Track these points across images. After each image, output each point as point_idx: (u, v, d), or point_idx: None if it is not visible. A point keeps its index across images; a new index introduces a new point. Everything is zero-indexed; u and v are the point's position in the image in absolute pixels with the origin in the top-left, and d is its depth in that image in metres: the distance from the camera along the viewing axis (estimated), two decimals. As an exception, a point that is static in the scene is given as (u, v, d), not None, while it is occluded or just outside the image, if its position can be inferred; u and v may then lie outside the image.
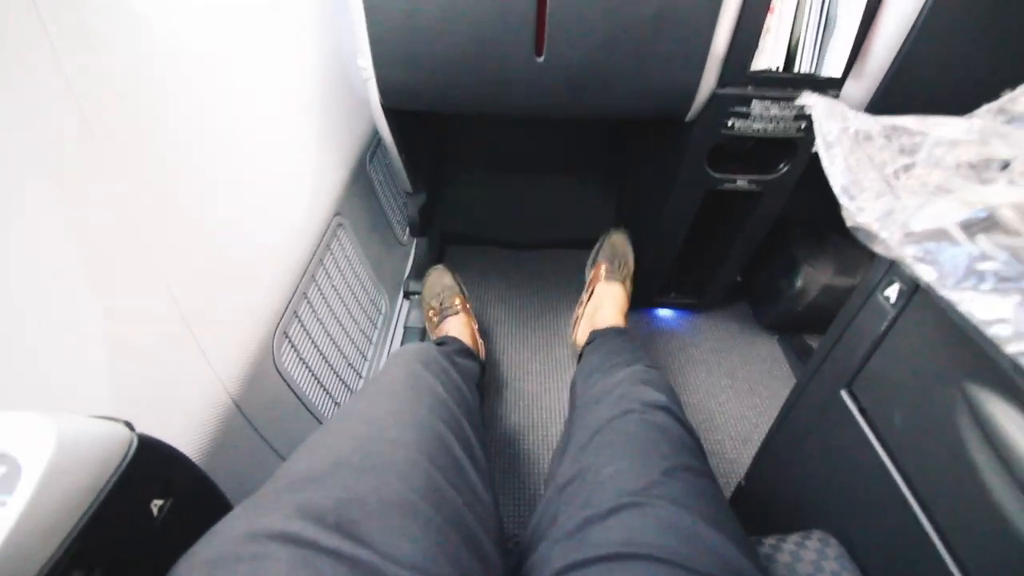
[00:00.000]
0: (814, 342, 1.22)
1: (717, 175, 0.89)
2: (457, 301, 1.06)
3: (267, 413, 0.71)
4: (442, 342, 0.92)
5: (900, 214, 0.30)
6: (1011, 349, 0.23)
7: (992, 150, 0.34)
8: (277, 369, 0.74)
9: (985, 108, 0.36)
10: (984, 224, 0.28)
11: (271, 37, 0.76)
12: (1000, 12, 0.68)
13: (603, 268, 1.05)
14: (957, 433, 0.33)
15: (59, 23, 0.42)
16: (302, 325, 0.82)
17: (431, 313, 1.09)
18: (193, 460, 0.43)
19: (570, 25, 0.68)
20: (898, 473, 0.38)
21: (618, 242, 1.11)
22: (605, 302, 0.99)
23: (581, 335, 0.96)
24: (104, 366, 0.47)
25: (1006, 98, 0.36)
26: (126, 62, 0.50)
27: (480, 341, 1.02)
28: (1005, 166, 0.34)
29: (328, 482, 0.37)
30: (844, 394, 0.44)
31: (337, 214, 0.98)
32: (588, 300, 1.03)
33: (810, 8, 0.71)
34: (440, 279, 1.12)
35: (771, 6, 0.71)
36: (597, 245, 1.13)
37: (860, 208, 0.31)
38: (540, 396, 1.10)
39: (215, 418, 0.61)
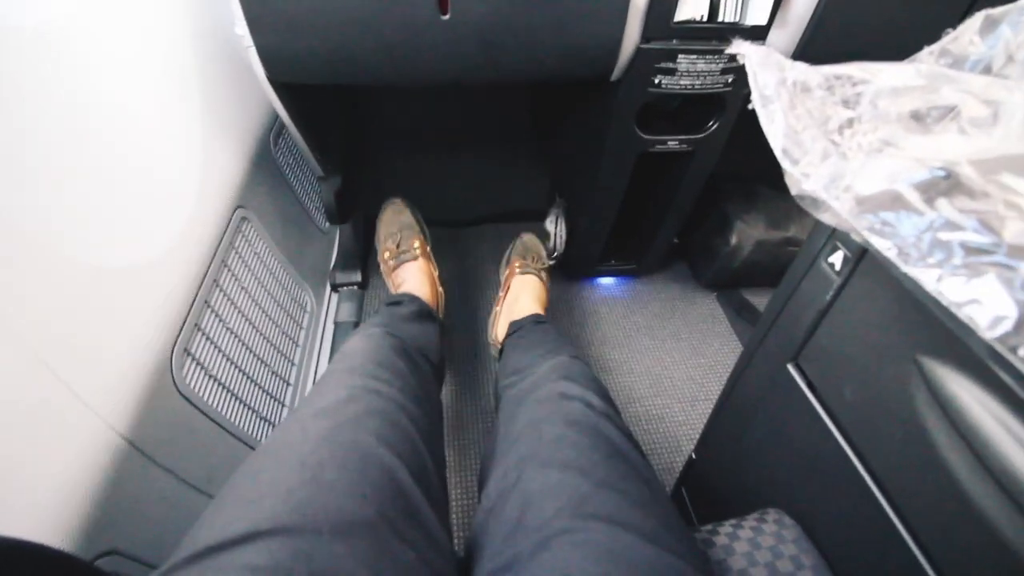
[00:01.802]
0: (752, 297, 1.24)
1: (647, 137, 0.85)
2: (416, 244, 0.96)
3: (177, 446, 0.63)
4: (397, 301, 0.83)
5: (849, 178, 0.26)
6: (988, 335, 0.20)
7: (940, 96, 0.30)
8: (180, 392, 0.65)
9: (927, 50, 0.33)
10: (944, 185, 0.25)
11: (129, 7, 0.64)
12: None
13: (516, 264, 1.01)
14: (912, 409, 0.30)
15: None
16: (208, 338, 0.72)
17: (387, 255, 0.98)
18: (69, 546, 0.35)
19: (476, -24, 0.60)
20: (851, 449, 0.36)
21: (529, 240, 1.08)
22: (522, 294, 0.95)
23: (500, 330, 0.91)
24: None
25: (948, 38, 0.33)
26: None
27: (440, 291, 0.94)
28: (950, 114, 0.31)
29: (249, 551, 0.30)
30: (791, 367, 0.41)
31: (239, 207, 0.87)
32: (505, 296, 0.98)
33: (731, -50, 0.66)
34: (397, 216, 1.01)
35: (691, -51, 0.66)
36: (509, 248, 1.09)
37: (804, 174, 0.27)
38: (485, 384, 1.05)
39: (106, 465, 0.52)
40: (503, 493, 0.42)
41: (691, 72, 0.76)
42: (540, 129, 1.27)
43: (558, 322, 1.17)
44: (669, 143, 0.87)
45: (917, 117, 0.30)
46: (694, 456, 0.64)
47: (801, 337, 0.40)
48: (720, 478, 0.56)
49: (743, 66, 0.75)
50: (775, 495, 0.45)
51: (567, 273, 1.24)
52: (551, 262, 1.16)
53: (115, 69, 0.62)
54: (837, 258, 0.36)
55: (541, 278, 1.00)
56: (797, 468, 0.42)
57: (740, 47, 0.31)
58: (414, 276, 0.91)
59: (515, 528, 0.37)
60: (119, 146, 0.61)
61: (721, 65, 0.76)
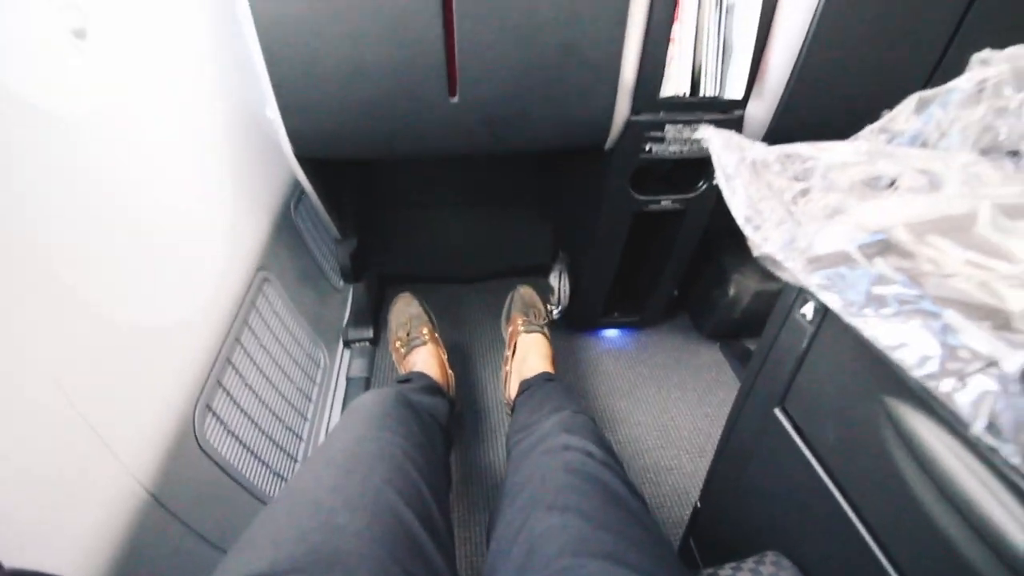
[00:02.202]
0: (754, 346, 1.26)
1: (642, 197, 0.92)
2: (425, 330, 1.02)
3: (194, 500, 0.65)
4: (407, 379, 0.87)
5: (801, 241, 0.30)
6: (916, 374, 0.24)
7: (879, 168, 0.35)
8: (201, 448, 0.68)
9: (868, 129, 0.38)
10: (881, 246, 0.29)
11: (168, 93, 0.72)
12: (873, 40, 0.75)
13: (519, 321, 1.05)
14: (884, 447, 0.33)
15: None
16: (228, 395, 0.76)
17: (398, 344, 1.04)
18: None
19: (481, 63, 0.68)
20: (836, 489, 0.38)
21: (526, 293, 1.13)
22: (530, 352, 0.99)
23: (512, 388, 0.95)
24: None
25: (886, 118, 0.38)
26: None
27: (450, 372, 0.98)
28: (892, 183, 0.36)
29: None
30: (778, 412, 0.44)
31: (261, 269, 0.93)
32: (512, 355, 1.02)
33: (707, 38, 0.74)
34: (406, 307, 1.08)
35: (671, 37, 0.74)
36: (507, 302, 1.14)
37: (764, 238, 0.31)
38: (497, 434, 1.07)
39: (128, 516, 0.54)
40: (511, 537, 0.44)
41: (678, 139, 0.83)
42: (543, 189, 1.35)
43: (565, 374, 1.19)
44: (663, 203, 0.93)
45: (862, 187, 0.35)
46: (699, 505, 0.65)
47: (785, 383, 0.43)
48: (723, 525, 0.57)
49: (728, 128, 0.82)
50: (774, 538, 0.46)
51: (572, 326, 1.28)
52: (556, 315, 1.20)
53: (156, 146, 0.69)
54: (808, 309, 0.39)
55: (545, 334, 1.04)
56: (791, 510, 0.44)
57: (704, 132, 0.37)
58: (424, 360, 0.96)
59: (522, 568, 0.39)
60: (158, 216, 0.67)
61: (706, 133, 0.83)
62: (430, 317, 1.08)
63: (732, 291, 1.16)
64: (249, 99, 0.89)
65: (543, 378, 0.89)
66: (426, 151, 0.75)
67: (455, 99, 0.70)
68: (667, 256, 1.05)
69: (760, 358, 0.46)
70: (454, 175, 1.30)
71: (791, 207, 0.33)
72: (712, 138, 0.35)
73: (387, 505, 0.42)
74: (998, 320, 0.24)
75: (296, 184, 1.09)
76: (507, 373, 1.03)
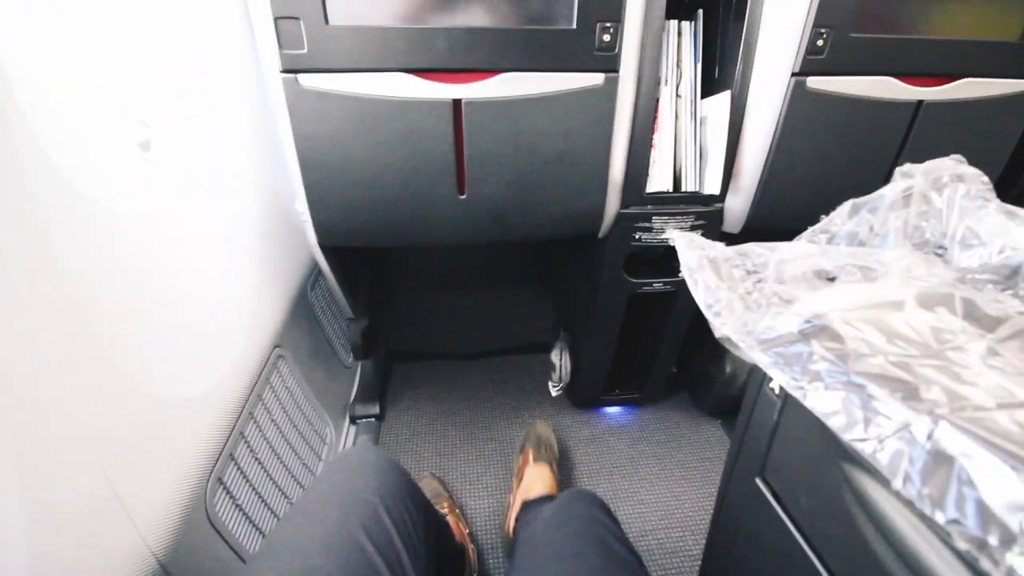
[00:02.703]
0: (753, 424, 1.28)
1: (635, 281, 0.99)
2: (445, 505, 1.05)
3: (199, 572, 0.66)
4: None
5: (753, 325, 0.36)
6: (846, 437, 0.28)
7: (821, 264, 0.42)
8: (211, 522, 0.70)
9: (810, 230, 0.45)
10: (817, 329, 0.35)
11: (210, 188, 0.82)
12: (832, 146, 0.86)
13: (530, 453, 1.09)
14: (846, 508, 0.37)
15: None
16: (239, 468, 0.79)
17: None
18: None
19: (487, 166, 0.78)
20: (813, 554, 0.41)
21: (542, 430, 1.16)
22: (535, 483, 1.01)
23: (514, 514, 0.96)
24: (18, 533, 0.44)
25: (825, 221, 0.46)
26: (57, 226, 0.53)
27: (471, 547, 0.99)
28: (833, 278, 0.42)
29: None
30: (759, 482, 0.47)
31: (277, 346, 0.98)
32: (518, 485, 1.05)
33: (685, 144, 0.85)
34: (427, 485, 1.12)
35: (653, 143, 0.85)
36: (523, 435, 1.17)
37: (723, 322, 0.37)
38: (496, 513, 1.06)
39: (134, 579, 0.56)
40: None
41: (665, 228, 0.92)
42: (543, 272, 1.43)
43: (567, 452, 1.21)
44: (655, 285, 1.00)
45: (807, 280, 0.41)
46: (700, 583, 0.65)
47: (762, 453, 0.47)
48: (722, 602, 0.58)
49: (709, 219, 0.90)
50: (766, 610, 0.48)
51: (574, 403, 1.31)
52: (557, 392, 1.23)
53: (195, 234, 0.77)
54: (776, 384, 0.44)
55: (553, 469, 1.06)
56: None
57: (671, 234, 0.44)
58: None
59: None
60: (191, 296, 0.74)
61: (691, 223, 0.92)
62: (450, 495, 1.11)
63: (728, 368, 1.19)
64: (278, 190, 0.99)
65: (546, 497, 0.92)
66: (438, 241, 0.84)
67: (464, 197, 0.79)
68: (663, 335, 1.11)
69: (741, 431, 0.50)
70: (461, 259, 1.40)
71: (745, 296, 0.39)
72: (677, 239, 0.42)
73: (358, 549, 0.46)
74: (909, 391, 0.29)
75: (314, 266, 1.18)
76: (510, 503, 1.04)
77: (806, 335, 0.34)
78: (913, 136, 0.89)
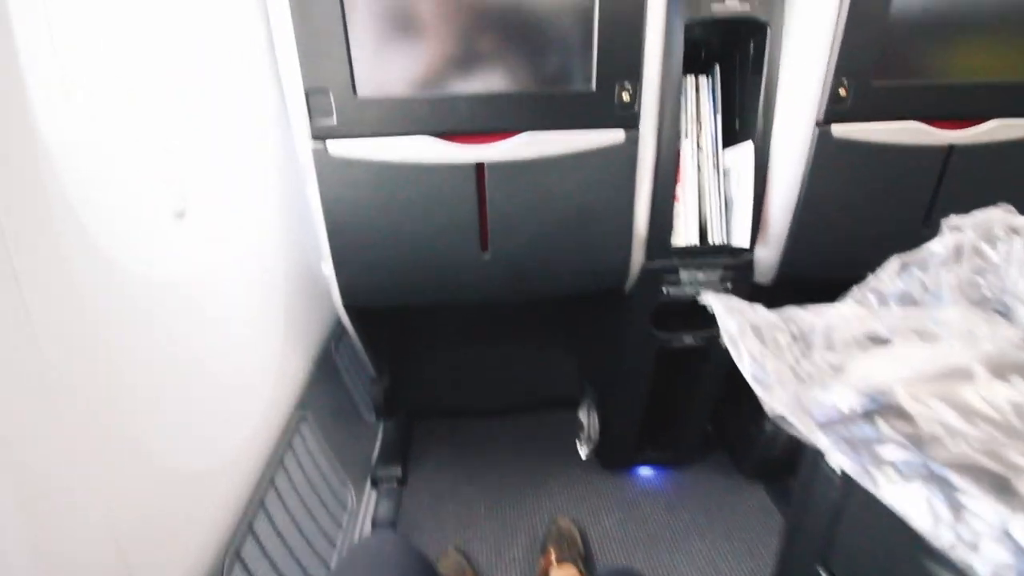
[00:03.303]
0: (800, 486, 1.18)
1: (663, 335, 0.95)
2: None
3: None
4: None
5: (807, 401, 0.33)
6: (932, 540, 0.25)
7: (874, 327, 0.39)
8: (226, 602, 0.66)
9: (857, 289, 0.42)
10: (882, 407, 0.31)
11: (239, 254, 0.83)
12: (861, 193, 0.83)
13: (553, 553, 1.02)
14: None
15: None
16: (258, 542, 0.75)
17: None
18: None
19: (509, 224, 0.78)
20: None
21: (564, 525, 1.10)
22: None
23: None
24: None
25: (873, 279, 0.43)
26: (89, 296, 0.53)
27: None
28: (886, 341, 0.39)
29: None
30: (821, 570, 0.42)
31: (300, 408, 0.97)
32: None
33: (709, 195, 0.84)
34: (451, 562, 1.07)
35: (676, 196, 0.84)
36: (543, 533, 1.10)
37: (774, 398, 0.34)
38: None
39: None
40: None
41: (694, 281, 0.89)
42: (568, 326, 1.40)
43: (599, 519, 1.13)
44: (685, 339, 0.96)
45: (859, 345, 0.38)
46: None
47: (824, 538, 0.42)
48: None
49: (739, 271, 0.87)
50: None
51: (604, 465, 1.24)
52: (586, 455, 1.17)
53: (224, 300, 0.77)
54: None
55: (579, 567, 1.00)
56: None
57: (707, 299, 0.41)
58: None
59: None
60: (216, 362, 0.74)
61: (719, 274, 0.89)
62: (475, 570, 1.06)
63: (769, 427, 1.12)
64: (306, 252, 1.01)
65: None
66: (462, 299, 0.83)
67: (487, 255, 0.79)
68: (696, 392, 1.06)
69: (797, 510, 0.45)
70: (483, 313, 1.38)
71: (795, 366, 0.36)
72: (713, 302, 0.40)
73: None
74: (1000, 484, 0.25)
75: (339, 325, 1.17)
76: None
77: (870, 414, 0.31)
78: (947, 181, 0.86)
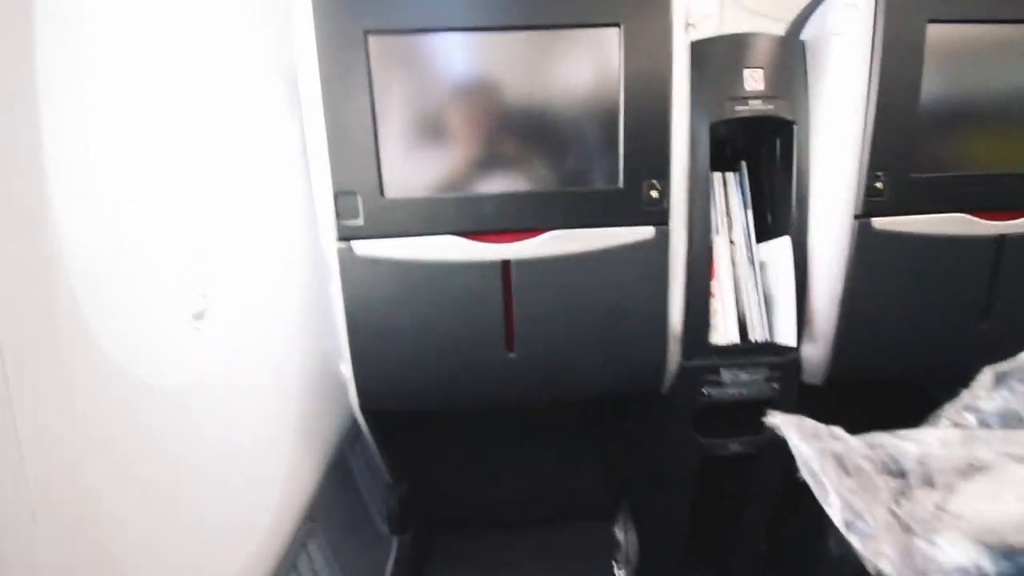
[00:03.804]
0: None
1: (706, 441, 0.87)
2: None
3: None
4: None
5: (920, 557, 0.26)
6: None
7: (977, 456, 0.32)
8: None
9: (951, 408, 0.37)
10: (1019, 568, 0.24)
11: (257, 353, 0.80)
12: (911, 283, 0.78)
13: None
14: None
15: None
16: None
17: None
18: None
19: (537, 323, 0.75)
20: None
21: None
22: None
23: None
24: None
25: (966, 396, 0.37)
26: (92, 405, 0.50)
27: None
28: (990, 471, 0.32)
29: None
30: None
31: (309, 519, 0.89)
32: None
33: (747, 291, 0.80)
34: None
35: (712, 292, 0.80)
36: None
37: (876, 552, 0.27)
38: None
39: None
40: None
41: (736, 382, 0.83)
42: (601, 430, 1.31)
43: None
44: (731, 447, 0.87)
45: (963, 478, 0.31)
46: None
47: None
48: None
49: (786, 371, 0.81)
50: None
51: (644, 587, 1.09)
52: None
53: (238, 401, 0.74)
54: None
55: None
56: None
57: (774, 419, 0.36)
58: None
59: None
60: (221, 472, 0.68)
61: (765, 374, 0.83)
62: None
63: (833, 545, 0.98)
64: (326, 351, 0.98)
65: None
66: (486, 403, 0.78)
67: (513, 355, 0.74)
68: (746, 505, 0.94)
69: None
70: (510, 418, 1.31)
71: (893, 507, 0.30)
72: (784, 427, 0.34)
73: None
74: None
75: (354, 426, 1.12)
76: None
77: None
78: (1003, 273, 0.80)
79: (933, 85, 0.73)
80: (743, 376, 0.82)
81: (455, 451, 1.31)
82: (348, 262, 0.71)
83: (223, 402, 0.70)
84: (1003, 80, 0.76)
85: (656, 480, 0.94)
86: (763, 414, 0.88)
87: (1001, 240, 0.79)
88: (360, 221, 0.70)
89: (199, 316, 0.67)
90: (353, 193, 0.69)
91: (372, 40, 0.66)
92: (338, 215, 0.70)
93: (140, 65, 0.58)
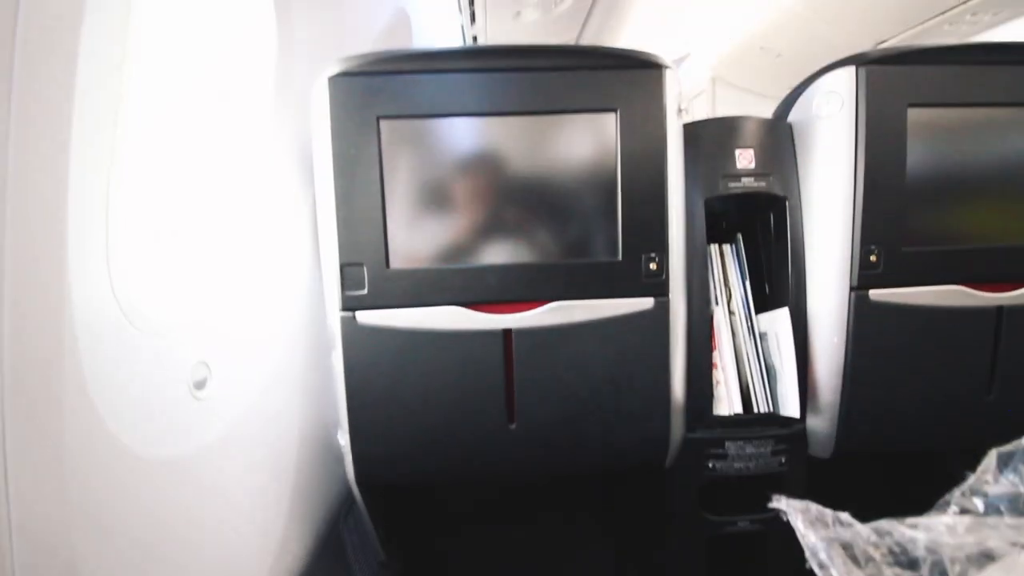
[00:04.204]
0: None
1: (715, 518, 0.83)
2: None
3: None
4: None
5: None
6: None
7: (988, 545, 0.31)
8: None
9: (958, 492, 0.36)
10: None
11: (254, 421, 0.79)
12: (913, 354, 0.78)
13: None
14: None
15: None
16: None
17: None
18: None
19: (538, 393, 0.74)
20: None
21: None
22: None
23: None
24: None
25: (972, 479, 0.36)
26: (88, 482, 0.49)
27: None
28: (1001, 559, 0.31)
29: None
30: None
31: (296, 603, 0.84)
32: None
33: (748, 362, 0.80)
34: None
35: (714, 362, 0.80)
36: None
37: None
38: None
39: None
40: None
41: (742, 455, 0.81)
42: (604, 507, 1.26)
43: None
44: (739, 524, 0.84)
45: (973, 562, 0.30)
46: None
47: None
48: None
49: (792, 443, 0.79)
50: None
51: None
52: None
53: (230, 472, 0.71)
54: None
55: None
56: None
57: (780, 503, 0.35)
58: None
59: None
60: (205, 550, 0.65)
61: (771, 447, 0.81)
62: None
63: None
64: (324, 421, 0.96)
65: None
66: (486, 477, 0.76)
67: (513, 427, 0.73)
68: (759, 589, 0.89)
69: None
70: (509, 493, 1.26)
71: (907, 604, 0.28)
72: (789, 513, 0.33)
73: None
74: None
75: (349, 498, 1.08)
76: None
77: None
78: (1004, 344, 0.80)
79: (919, 164, 0.77)
80: (749, 449, 0.80)
81: (453, 528, 1.25)
82: (351, 331, 0.72)
83: (220, 472, 0.69)
84: (986, 158, 0.80)
85: (664, 559, 0.89)
86: (772, 490, 0.86)
87: (1000, 312, 0.79)
88: (365, 291, 0.72)
89: (200, 385, 0.67)
90: (360, 264, 0.71)
91: (384, 124, 0.71)
92: (343, 286, 0.72)
93: (161, 137, 0.62)
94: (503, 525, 1.25)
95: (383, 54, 0.73)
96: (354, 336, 0.72)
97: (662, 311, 0.75)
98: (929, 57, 0.78)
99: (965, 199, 0.81)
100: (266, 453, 0.81)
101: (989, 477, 0.36)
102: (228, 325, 0.72)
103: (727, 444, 0.80)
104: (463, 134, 0.75)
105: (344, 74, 0.71)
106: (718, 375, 0.79)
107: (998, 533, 0.32)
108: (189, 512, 0.63)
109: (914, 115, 0.77)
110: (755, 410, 0.79)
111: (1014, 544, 0.31)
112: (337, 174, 0.71)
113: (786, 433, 0.81)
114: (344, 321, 0.72)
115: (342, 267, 0.71)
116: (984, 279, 0.79)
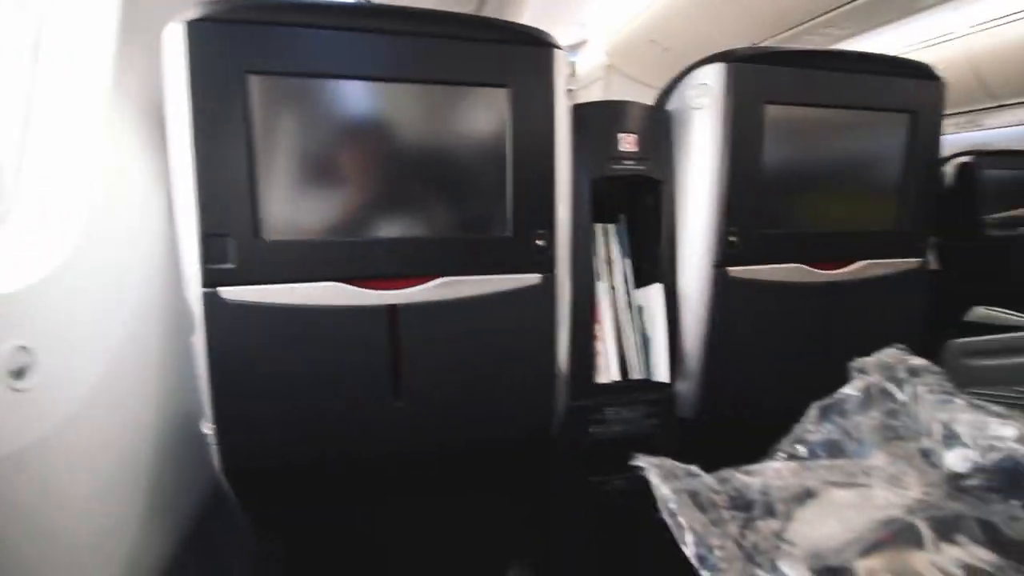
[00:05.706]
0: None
1: (595, 479, 0.89)
2: None
3: None
4: None
5: (762, 586, 0.29)
6: None
7: (807, 484, 0.37)
8: None
9: (786, 441, 0.41)
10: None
11: (97, 407, 0.69)
12: (755, 332, 0.88)
13: None
14: None
15: None
16: None
17: None
18: None
19: (426, 370, 0.73)
20: None
21: None
22: None
23: None
24: None
25: (798, 429, 0.42)
26: None
27: None
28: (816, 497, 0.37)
29: None
30: None
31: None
32: None
33: (627, 333, 0.86)
34: None
35: (596, 334, 0.84)
36: None
37: (723, 584, 0.29)
38: None
39: None
40: None
41: (619, 419, 0.87)
42: (488, 479, 1.28)
43: None
44: (615, 483, 0.90)
45: (796, 499, 0.35)
46: None
47: None
48: None
49: (662, 406, 0.86)
50: None
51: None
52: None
53: (62, 477, 0.62)
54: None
55: None
56: None
57: (640, 460, 0.38)
58: None
59: None
60: (54, 543, 0.57)
61: (643, 411, 0.88)
62: None
63: None
64: (187, 410, 0.86)
65: None
66: (372, 456, 0.73)
67: (400, 404, 0.71)
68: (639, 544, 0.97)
69: None
70: (394, 474, 1.24)
71: (739, 538, 0.32)
72: (647, 468, 0.36)
73: None
74: None
75: (218, 487, 0.99)
76: None
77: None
78: (835, 316, 0.93)
79: (772, 156, 0.86)
80: (625, 413, 0.86)
81: (334, 509, 1.20)
82: (214, 309, 0.65)
83: (57, 471, 0.59)
84: (826, 153, 0.92)
85: (556, 524, 0.94)
86: (650, 451, 0.95)
87: (831, 287, 0.93)
88: (230, 264, 0.64)
89: (19, 374, 0.57)
90: (224, 235, 0.64)
91: (254, 80, 0.63)
92: (205, 259, 0.64)
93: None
94: (391, 503, 1.22)
95: (255, 0, 0.65)
96: (218, 315, 0.65)
97: (549, 286, 0.77)
98: (786, 59, 0.87)
99: (808, 189, 0.93)
100: (115, 447, 0.71)
101: (811, 427, 0.42)
102: (57, 303, 0.61)
103: (606, 410, 0.85)
104: (345, 98, 0.69)
105: (206, 19, 0.62)
106: (599, 346, 0.84)
107: (816, 475, 0.37)
108: (16, 512, 0.54)
109: (771, 111, 0.86)
110: (631, 376, 0.85)
111: (827, 482, 0.37)
112: (196, 134, 0.62)
113: (657, 397, 0.88)
114: (206, 298, 0.64)
115: (203, 237, 0.63)
116: (820, 259, 0.92)
